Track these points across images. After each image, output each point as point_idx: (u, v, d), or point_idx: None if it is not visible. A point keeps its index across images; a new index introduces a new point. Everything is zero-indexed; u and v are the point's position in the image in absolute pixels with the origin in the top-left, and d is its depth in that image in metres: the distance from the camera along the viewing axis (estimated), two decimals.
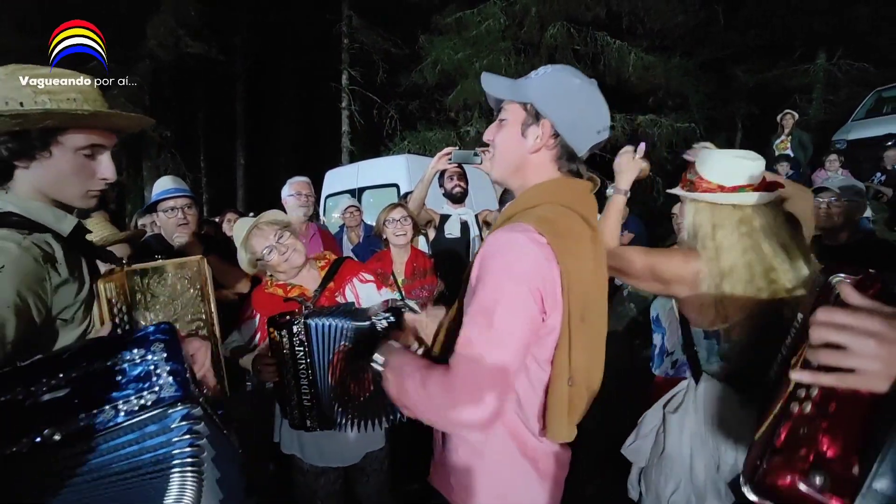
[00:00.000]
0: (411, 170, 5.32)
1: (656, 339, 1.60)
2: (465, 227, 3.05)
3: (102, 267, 1.10)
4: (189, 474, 0.41)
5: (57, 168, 0.97)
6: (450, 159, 2.35)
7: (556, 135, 0.95)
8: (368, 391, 1.31)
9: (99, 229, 2.16)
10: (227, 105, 13.72)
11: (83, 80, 0.98)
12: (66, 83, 0.95)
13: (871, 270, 0.89)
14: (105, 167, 1.02)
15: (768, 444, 0.68)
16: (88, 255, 1.03)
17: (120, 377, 0.46)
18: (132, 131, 1.08)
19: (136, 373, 0.46)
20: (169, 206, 2.07)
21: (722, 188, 1.35)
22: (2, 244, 0.86)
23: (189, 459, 0.41)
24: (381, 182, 5.57)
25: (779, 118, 6.83)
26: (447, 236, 2.96)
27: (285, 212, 2.99)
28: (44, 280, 0.89)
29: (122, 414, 0.45)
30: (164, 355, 0.48)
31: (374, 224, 2.83)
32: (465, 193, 3.12)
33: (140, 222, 3.56)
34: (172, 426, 0.44)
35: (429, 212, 3.03)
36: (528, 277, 0.86)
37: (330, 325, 1.31)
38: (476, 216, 3.15)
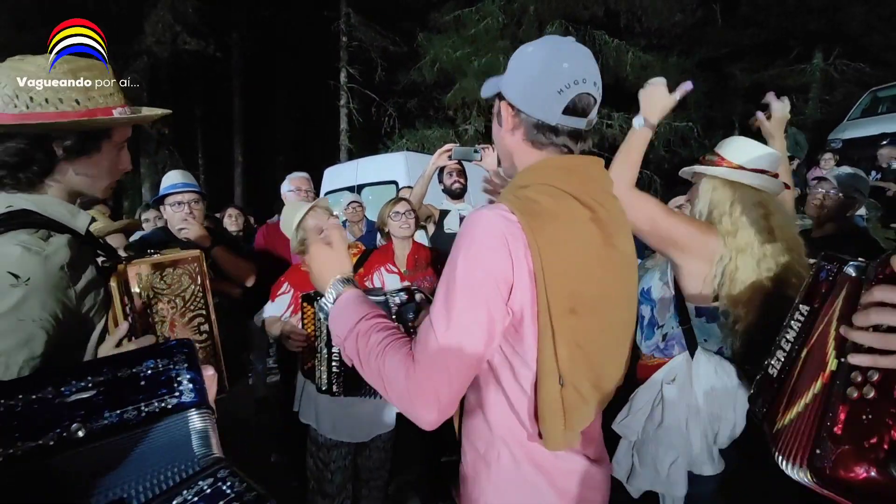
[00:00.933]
0: (410, 167, 5.33)
1: (644, 310, 1.58)
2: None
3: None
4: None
5: (101, 163, 0.99)
6: (450, 156, 2.39)
7: (516, 111, 0.88)
8: None
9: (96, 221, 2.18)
10: (224, 102, 13.69)
11: (110, 72, 1.00)
12: (99, 75, 0.96)
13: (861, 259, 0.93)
14: (126, 158, 1.05)
15: (821, 430, 0.65)
16: (97, 249, 1.04)
17: (143, 382, 0.48)
18: (143, 123, 1.11)
19: (159, 379, 0.49)
20: (176, 200, 2.10)
21: (743, 168, 1.40)
22: (26, 257, 0.84)
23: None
24: (380, 179, 5.58)
25: None
26: (447, 231, 2.99)
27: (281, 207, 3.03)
28: (67, 287, 0.89)
29: (144, 415, 0.47)
30: (186, 365, 0.51)
31: (374, 219, 2.86)
32: (464, 189, 3.14)
33: (144, 216, 3.59)
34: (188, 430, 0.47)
35: (428, 207, 3.06)
36: (486, 259, 0.78)
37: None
38: None
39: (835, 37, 10.13)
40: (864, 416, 0.60)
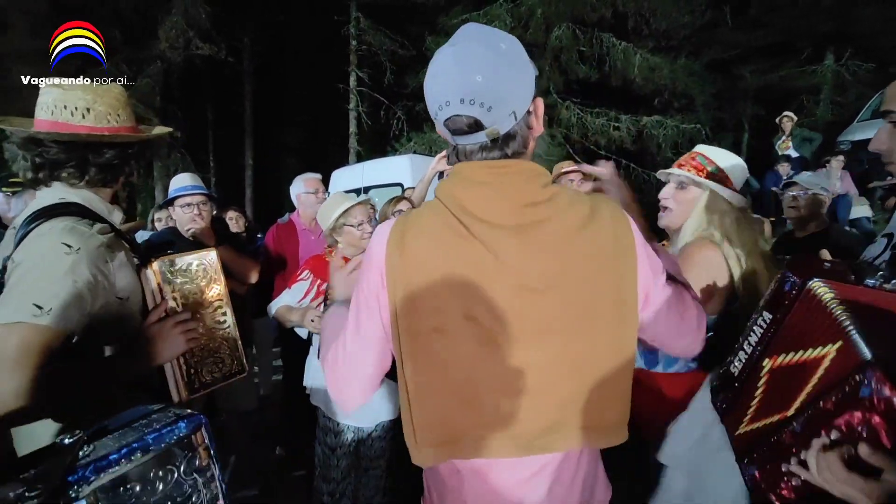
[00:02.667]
0: (415, 169, 5.41)
1: None
2: None
3: None
4: None
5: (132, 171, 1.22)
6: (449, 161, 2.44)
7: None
8: None
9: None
10: (235, 105, 13.92)
11: (112, 96, 1.19)
12: (119, 96, 1.18)
13: (828, 260, 0.96)
14: None
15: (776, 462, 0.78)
16: (130, 244, 1.20)
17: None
18: (157, 139, 1.31)
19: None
20: (186, 201, 2.19)
21: (731, 186, 1.52)
22: (78, 230, 1.02)
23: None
24: (386, 181, 5.66)
25: (777, 121, 6.86)
26: None
27: (295, 208, 3.11)
28: (107, 262, 1.05)
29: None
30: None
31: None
32: None
33: (156, 216, 3.74)
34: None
35: None
36: (365, 274, 0.83)
37: None
38: None
39: (846, 38, 10.04)
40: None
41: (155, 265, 1.17)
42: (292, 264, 2.88)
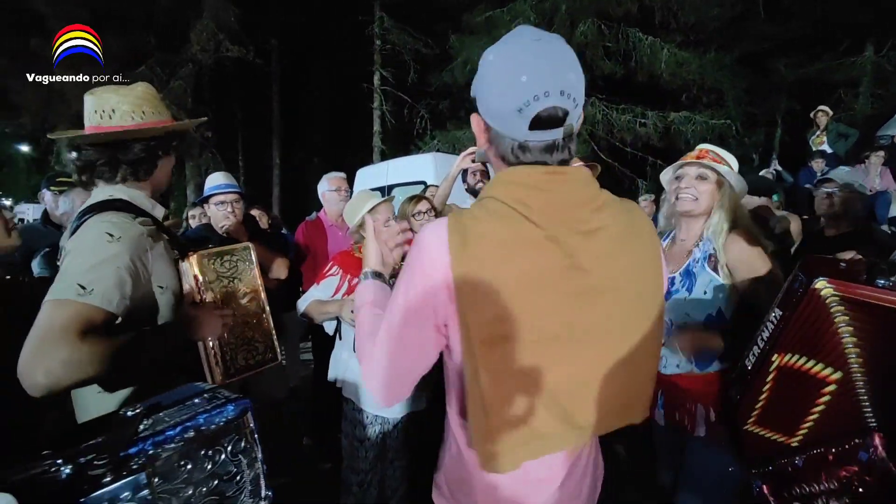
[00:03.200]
0: (438, 167, 5.44)
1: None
2: None
3: None
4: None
5: (167, 167, 1.30)
6: (473, 159, 2.48)
7: (486, 126, 0.83)
8: None
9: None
10: (263, 106, 14.22)
11: (137, 92, 1.26)
12: (121, 98, 1.22)
13: (846, 259, 0.97)
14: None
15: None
16: (170, 238, 1.28)
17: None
18: (182, 130, 1.36)
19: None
20: (220, 199, 2.29)
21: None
22: (119, 221, 1.13)
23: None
24: (409, 180, 5.72)
25: (812, 115, 6.61)
26: None
27: (321, 206, 3.20)
28: (146, 251, 1.14)
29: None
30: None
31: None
32: None
33: (190, 213, 3.90)
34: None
35: (452, 207, 3.15)
36: (416, 281, 0.78)
37: None
38: None
39: (887, 28, 9.60)
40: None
41: (193, 257, 1.24)
42: (321, 259, 2.96)
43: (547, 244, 0.77)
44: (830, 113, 6.50)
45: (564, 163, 0.83)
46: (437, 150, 8.99)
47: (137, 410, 0.51)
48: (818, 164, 5.46)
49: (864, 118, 9.55)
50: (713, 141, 9.19)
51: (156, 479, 0.45)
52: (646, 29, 8.85)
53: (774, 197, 3.35)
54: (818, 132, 6.51)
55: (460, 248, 0.75)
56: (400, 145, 12.11)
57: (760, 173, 7.43)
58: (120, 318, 1.06)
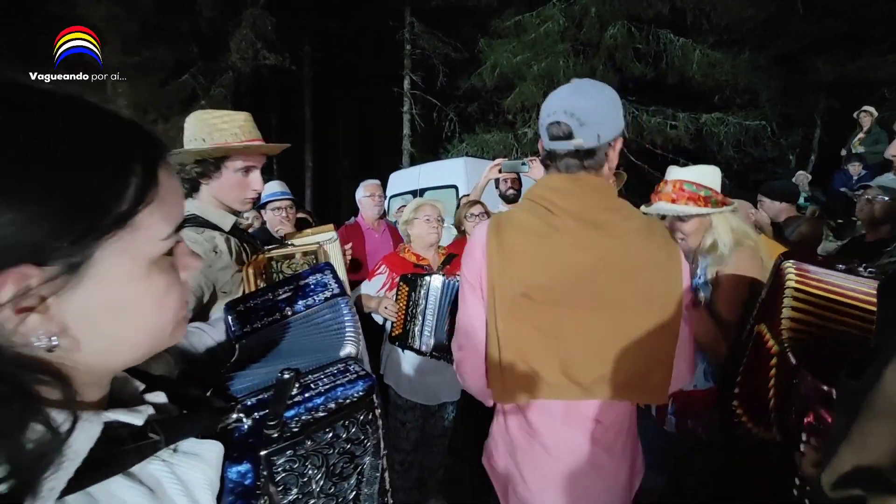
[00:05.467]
0: (469, 172, 5.59)
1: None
2: None
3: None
4: (350, 333, 0.71)
5: (224, 183, 1.37)
6: (500, 169, 2.62)
7: (539, 138, 1.15)
8: None
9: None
10: (296, 110, 14.64)
11: (243, 117, 1.37)
12: (229, 121, 1.34)
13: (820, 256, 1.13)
14: (255, 181, 1.42)
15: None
16: (241, 243, 1.42)
17: (312, 285, 0.82)
18: (273, 154, 1.46)
19: (320, 283, 0.82)
20: (276, 205, 2.52)
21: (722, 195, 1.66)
22: (189, 235, 1.25)
23: (349, 327, 0.72)
24: (441, 183, 5.88)
25: (856, 115, 6.43)
26: None
27: (353, 207, 3.41)
28: (210, 266, 1.28)
29: (318, 300, 0.80)
30: (331, 275, 0.84)
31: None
32: (518, 194, 3.35)
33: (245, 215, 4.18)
34: (341, 308, 0.77)
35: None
36: (466, 263, 1.13)
37: (457, 283, 1.88)
38: None
39: None
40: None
41: (258, 259, 1.38)
42: (360, 259, 3.17)
43: (563, 230, 1.04)
44: (875, 114, 6.31)
45: (591, 170, 1.08)
46: (466, 154, 9.13)
47: (291, 374, 0.58)
48: (855, 168, 5.35)
49: None
50: (747, 143, 9.04)
51: (308, 442, 0.54)
52: (677, 30, 8.76)
53: (802, 201, 3.33)
54: (861, 134, 6.34)
55: (493, 233, 1.08)
56: (429, 148, 12.29)
57: (798, 174, 7.29)
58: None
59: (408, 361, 2.17)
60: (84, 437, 0.37)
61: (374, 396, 0.61)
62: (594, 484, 1.09)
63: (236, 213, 1.43)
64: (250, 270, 1.34)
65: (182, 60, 10.75)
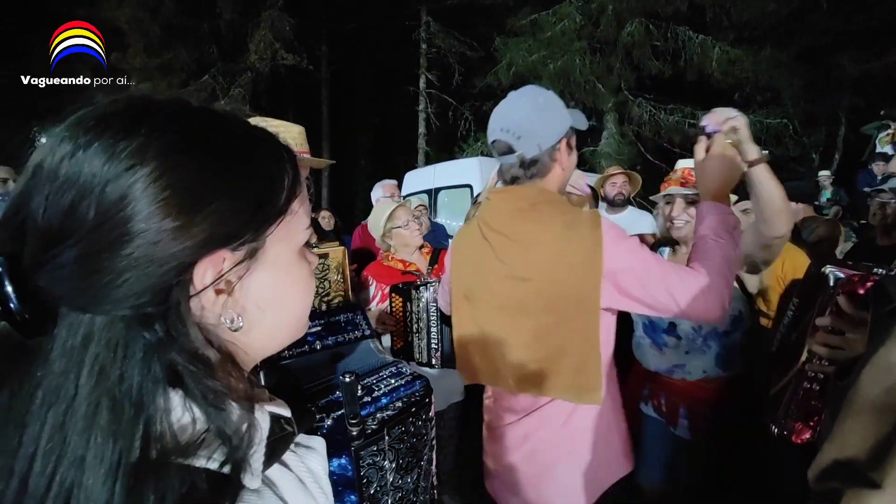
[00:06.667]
0: (483, 171, 5.61)
1: (738, 336, 1.63)
2: None
3: None
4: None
5: None
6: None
7: None
8: None
9: None
10: (314, 110, 14.81)
11: (298, 130, 1.45)
12: (285, 130, 1.42)
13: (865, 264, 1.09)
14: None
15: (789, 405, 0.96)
16: None
17: (343, 324, 0.88)
18: (320, 168, 1.52)
19: (351, 322, 0.85)
20: None
21: None
22: None
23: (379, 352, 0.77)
24: (456, 183, 5.91)
25: (882, 113, 6.27)
26: None
27: (368, 206, 3.45)
28: None
29: (347, 339, 0.86)
30: (361, 316, 0.88)
31: (440, 222, 3.15)
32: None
33: None
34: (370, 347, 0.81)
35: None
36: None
37: None
38: None
39: None
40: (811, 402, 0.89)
41: None
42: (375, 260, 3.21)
43: (485, 241, 1.18)
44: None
45: (536, 177, 1.17)
46: (481, 153, 9.14)
47: (352, 377, 0.61)
48: (879, 168, 5.22)
49: None
50: (769, 141, 8.88)
51: (386, 438, 0.59)
52: (696, 27, 8.63)
53: (824, 201, 3.27)
54: (888, 131, 6.17)
55: (455, 238, 1.30)
56: (444, 147, 12.33)
57: (820, 173, 7.15)
58: None
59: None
60: (264, 421, 0.42)
61: (431, 394, 0.66)
62: (535, 472, 1.20)
63: None
64: None
65: (202, 61, 10.96)
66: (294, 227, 0.45)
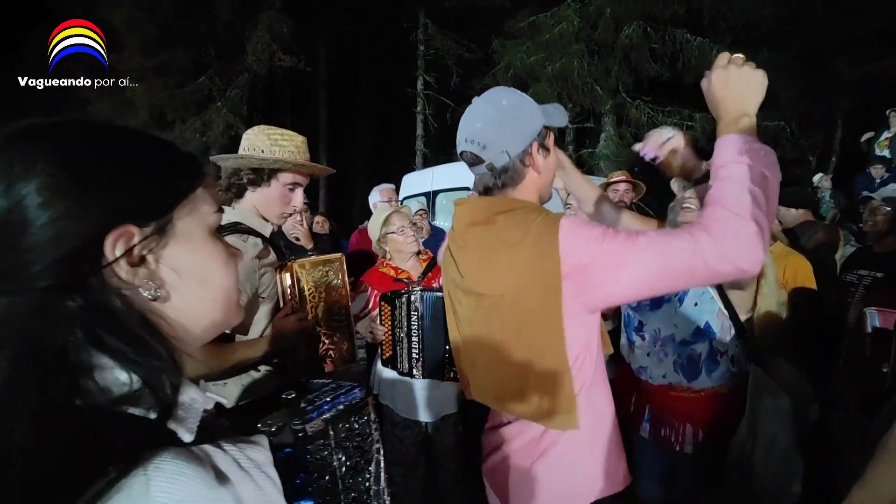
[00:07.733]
0: None
1: (701, 348, 1.58)
2: None
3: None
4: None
5: (270, 194, 1.44)
6: None
7: None
8: None
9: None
10: (311, 112, 14.78)
11: (301, 139, 1.46)
12: (289, 139, 1.42)
13: None
14: (297, 199, 1.49)
15: None
16: (277, 251, 1.47)
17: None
18: (321, 175, 1.55)
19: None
20: None
21: None
22: (235, 242, 1.30)
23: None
24: (454, 185, 5.88)
25: (887, 113, 6.22)
26: None
27: (366, 208, 3.42)
28: (255, 272, 1.33)
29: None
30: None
31: (440, 226, 3.13)
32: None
33: None
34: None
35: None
36: None
37: (440, 297, 1.75)
38: None
39: None
40: None
41: (293, 268, 1.43)
42: (373, 263, 3.18)
43: (449, 253, 1.18)
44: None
45: (507, 185, 1.09)
46: None
47: (293, 394, 0.68)
48: (877, 171, 5.23)
49: None
50: (765, 143, 8.84)
51: (331, 433, 0.63)
52: (694, 30, 8.65)
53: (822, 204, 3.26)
54: (887, 134, 6.15)
55: (441, 250, 1.30)
56: (442, 149, 12.31)
57: (816, 176, 7.16)
58: None
59: (399, 379, 2.03)
60: (199, 396, 0.47)
61: (370, 401, 0.72)
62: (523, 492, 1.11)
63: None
64: (282, 276, 1.41)
65: (199, 62, 10.92)
66: (200, 207, 0.51)
